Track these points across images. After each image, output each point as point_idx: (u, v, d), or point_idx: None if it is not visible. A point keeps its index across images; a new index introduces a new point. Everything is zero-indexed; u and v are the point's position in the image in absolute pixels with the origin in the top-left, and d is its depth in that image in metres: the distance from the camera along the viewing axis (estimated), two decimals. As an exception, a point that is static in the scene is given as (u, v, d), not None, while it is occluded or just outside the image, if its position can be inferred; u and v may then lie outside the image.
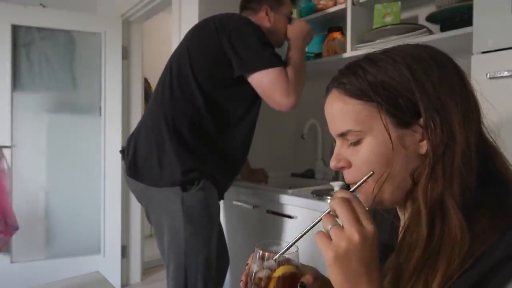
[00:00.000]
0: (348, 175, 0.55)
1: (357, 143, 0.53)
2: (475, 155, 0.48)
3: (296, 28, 1.38)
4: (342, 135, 0.54)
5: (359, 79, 0.52)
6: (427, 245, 0.47)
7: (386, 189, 0.52)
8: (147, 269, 2.86)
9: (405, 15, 1.61)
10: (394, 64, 0.50)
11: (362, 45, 1.48)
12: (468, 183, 0.47)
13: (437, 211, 0.47)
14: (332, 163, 0.55)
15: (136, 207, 2.66)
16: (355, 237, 0.45)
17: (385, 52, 0.53)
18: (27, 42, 2.34)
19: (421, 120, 0.49)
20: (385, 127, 0.50)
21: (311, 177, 1.91)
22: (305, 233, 0.53)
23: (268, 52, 1.22)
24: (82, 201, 2.49)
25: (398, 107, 0.49)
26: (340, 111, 0.53)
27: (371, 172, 0.52)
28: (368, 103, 0.51)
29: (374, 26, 1.46)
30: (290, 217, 1.37)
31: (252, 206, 1.51)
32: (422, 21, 1.49)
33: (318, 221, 0.51)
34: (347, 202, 0.47)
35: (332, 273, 0.46)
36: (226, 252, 1.50)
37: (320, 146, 1.94)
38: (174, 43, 1.94)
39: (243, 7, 1.44)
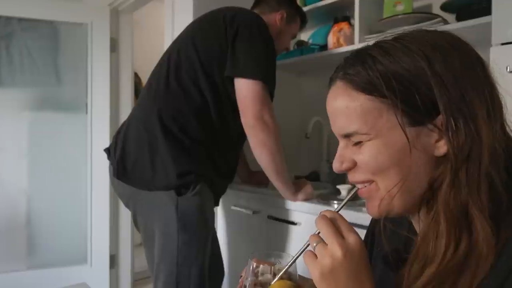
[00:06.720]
0: (352, 175, 0.55)
1: (363, 143, 0.52)
2: (502, 153, 0.46)
3: (308, 190, 1.35)
4: (347, 136, 0.53)
5: (368, 70, 0.50)
6: (445, 258, 0.46)
7: (397, 196, 0.51)
8: (138, 280, 2.86)
9: (418, 3, 1.61)
10: (409, 53, 0.49)
11: (371, 36, 1.48)
12: (497, 187, 0.46)
13: (460, 222, 0.46)
14: (336, 166, 0.55)
15: (125, 213, 2.65)
16: (338, 252, 0.47)
17: (398, 39, 0.52)
18: (6, 34, 2.33)
19: (440, 118, 0.47)
20: (401, 127, 0.48)
21: (316, 179, 1.91)
22: (300, 254, 0.55)
23: (269, 68, 1.23)
24: (67, 206, 2.49)
25: (413, 104, 0.47)
26: (346, 109, 0.52)
27: (356, 187, 0.55)
28: (378, 99, 0.49)
29: (384, 16, 1.46)
30: (293, 223, 1.37)
31: (252, 211, 1.51)
32: (436, 9, 1.49)
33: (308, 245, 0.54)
34: (328, 218, 0.51)
35: None
36: (221, 263, 1.49)
37: (326, 146, 1.94)
38: (167, 34, 1.94)
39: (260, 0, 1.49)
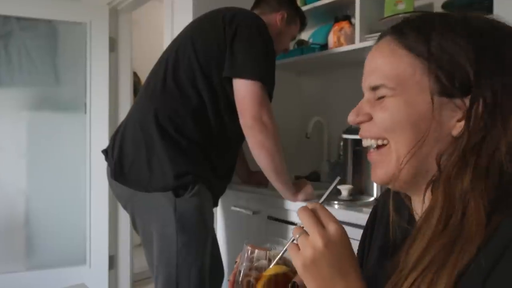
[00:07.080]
0: (364, 128, 0.55)
1: (385, 98, 0.52)
2: None
3: (308, 191, 1.33)
4: (374, 89, 0.53)
5: (422, 35, 0.50)
6: (435, 233, 0.46)
7: (407, 164, 0.50)
8: (137, 281, 2.86)
9: (419, 2, 1.61)
10: (467, 32, 0.49)
11: (372, 35, 1.48)
12: (510, 180, 0.45)
13: (457, 201, 0.46)
14: (351, 117, 0.56)
15: (125, 214, 2.63)
16: (319, 243, 0.48)
17: (465, 17, 0.52)
18: (5, 33, 2.33)
19: (469, 98, 0.47)
20: (430, 92, 0.48)
21: (316, 180, 1.91)
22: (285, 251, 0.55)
23: (268, 69, 1.23)
24: (66, 206, 2.49)
25: (450, 75, 0.48)
26: (383, 62, 0.52)
27: (339, 177, 0.56)
28: (417, 59, 0.50)
29: (385, 15, 1.46)
30: (293, 223, 1.37)
31: (252, 212, 1.51)
32: (437, 8, 1.49)
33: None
34: (309, 209, 0.51)
35: (305, 282, 0.49)
36: (220, 264, 1.49)
37: (326, 146, 1.94)
38: (166, 34, 1.94)
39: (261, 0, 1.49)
